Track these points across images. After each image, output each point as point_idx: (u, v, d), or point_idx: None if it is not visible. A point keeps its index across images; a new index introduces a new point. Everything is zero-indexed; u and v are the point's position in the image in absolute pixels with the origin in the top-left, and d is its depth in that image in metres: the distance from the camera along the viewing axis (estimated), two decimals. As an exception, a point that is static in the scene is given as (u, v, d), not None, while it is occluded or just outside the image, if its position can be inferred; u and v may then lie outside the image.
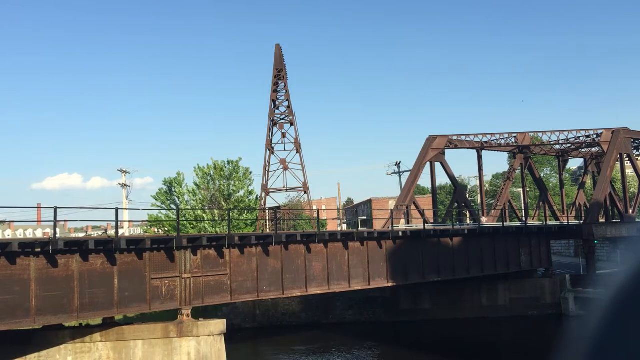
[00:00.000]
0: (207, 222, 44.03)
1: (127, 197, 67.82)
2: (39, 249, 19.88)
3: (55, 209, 20.85)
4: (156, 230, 50.77)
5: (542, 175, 68.80)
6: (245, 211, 48.60)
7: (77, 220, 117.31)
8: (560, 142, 49.93)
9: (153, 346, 22.56)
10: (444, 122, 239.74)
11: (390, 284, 32.21)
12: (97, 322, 23.82)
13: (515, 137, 49.40)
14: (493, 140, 49.73)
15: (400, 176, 76.29)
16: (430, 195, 56.37)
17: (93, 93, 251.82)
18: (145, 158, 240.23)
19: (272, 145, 58.25)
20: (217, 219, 44.44)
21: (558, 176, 65.87)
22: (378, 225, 45.89)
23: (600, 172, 46.59)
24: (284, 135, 58.57)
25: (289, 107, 59.21)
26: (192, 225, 44.62)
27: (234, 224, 41.81)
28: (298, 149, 57.72)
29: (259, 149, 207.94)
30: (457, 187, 50.04)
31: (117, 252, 21.91)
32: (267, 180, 57.39)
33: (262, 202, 56.34)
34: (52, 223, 21.65)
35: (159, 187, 60.66)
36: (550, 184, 74.90)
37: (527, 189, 60.91)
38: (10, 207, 47.62)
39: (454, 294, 40.17)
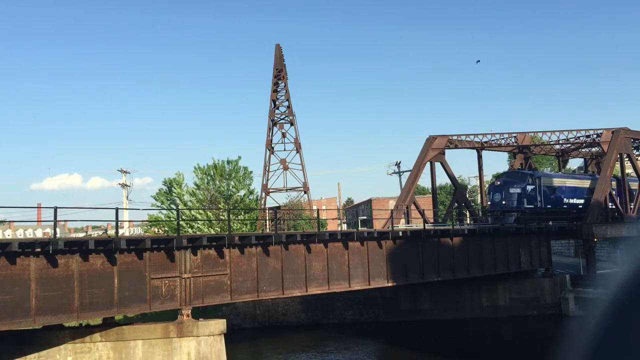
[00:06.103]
0: (200, 221, 43.90)
1: (127, 197, 67.87)
2: (39, 249, 19.87)
3: (55, 208, 20.86)
4: (156, 230, 50.77)
5: (542, 175, 68.72)
6: (244, 211, 48.56)
7: (77, 220, 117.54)
8: (560, 142, 49.97)
9: (153, 346, 22.56)
10: (444, 122, 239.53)
11: (390, 284, 32.21)
12: (97, 322, 23.83)
13: (515, 137, 49.45)
14: (493, 140, 49.77)
15: (400, 176, 76.39)
16: (430, 195, 56.40)
17: (93, 93, 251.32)
18: (145, 158, 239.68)
19: (272, 145, 58.23)
20: (213, 219, 44.35)
21: (558, 176, 65.83)
22: (378, 225, 45.86)
23: (600, 172, 46.58)
24: (284, 135, 58.56)
25: (289, 107, 59.20)
26: (189, 225, 44.58)
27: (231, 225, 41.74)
28: (298, 149, 57.71)
29: (259, 149, 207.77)
30: (457, 187, 50.09)
31: (117, 252, 21.90)
32: (267, 180, 57.38)
33: (262, 202, 56.35)
34: (52, 223, 21.65)
35: (158, 187, 60.70)
36: (550, 184, 74.76)
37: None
38: (10, 207, 47.63)
39: (454, 294, 40.14)
